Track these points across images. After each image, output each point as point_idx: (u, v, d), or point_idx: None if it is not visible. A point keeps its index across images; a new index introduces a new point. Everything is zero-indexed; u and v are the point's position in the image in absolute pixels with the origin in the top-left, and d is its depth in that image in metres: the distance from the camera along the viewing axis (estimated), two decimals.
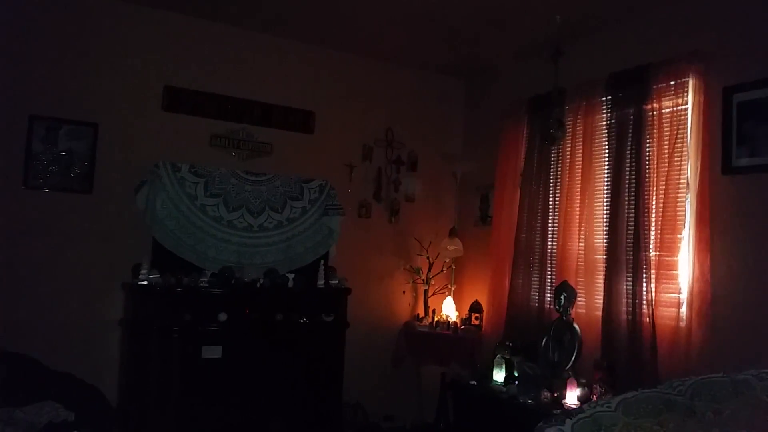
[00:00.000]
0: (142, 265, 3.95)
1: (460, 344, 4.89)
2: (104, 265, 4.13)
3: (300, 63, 4.97)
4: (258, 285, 4.27)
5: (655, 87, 3.78)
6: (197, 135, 4.49)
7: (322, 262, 4.61)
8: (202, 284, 4.05)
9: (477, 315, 5.08)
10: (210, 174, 4.31)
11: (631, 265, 3.82)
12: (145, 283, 3.91)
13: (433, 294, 5.33)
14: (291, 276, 4.41)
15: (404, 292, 5.38)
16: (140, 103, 4.30)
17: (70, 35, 4.12)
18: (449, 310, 5.16)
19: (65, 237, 4.06)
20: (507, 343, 4.35)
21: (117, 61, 4.24)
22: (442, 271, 5.33)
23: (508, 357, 4.22)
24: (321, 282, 4.51)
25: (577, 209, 4.29)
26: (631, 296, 3.80)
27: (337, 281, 4.62)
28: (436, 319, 5.15)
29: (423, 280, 5.31)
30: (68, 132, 4.06)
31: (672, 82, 3.72)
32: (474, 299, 5.15)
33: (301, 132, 4.95)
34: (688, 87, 3.64)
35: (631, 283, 3.81)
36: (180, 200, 4.16)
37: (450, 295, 5.27)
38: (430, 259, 5.30)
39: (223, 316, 4.02)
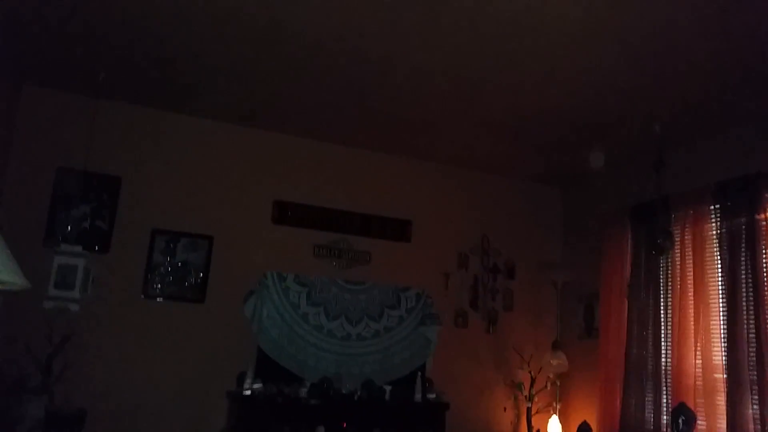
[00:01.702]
0: (246, 374, 4.25)
1: None
2: (211, 373, 4.46)
3: (397, 174, 5.38)
4: (355, 398, 4.44)
5: (766, 195, 3.80)
6: (302, 245, 4.91)
7: (419, 373, 4.73)
8: (301, 395, 4.28)
9: None
10: (312, 283, 4.66)
11: (755, 386, 3.69)
12: (248, 392, 4.18)
13: (536, 412, 5.25)
14: (388, 388, 4.55)
15: (505, 408, 5.34)
16: (252, 216, 4.82)
17: (189, 156, 4.75)
18: (555, 430, 5.05)
19: (177, 345, 4.46)
20: None
21: (232, 178, 4.83)
22: (545, 387, 5.28)
23: None
24: (418, 395, 4.61)
25: (692, 323, 4.23)
26: (758, 423, 3.64)
27: (434, 395, 4.71)
28: None
29: (525, 396, 5.27)
30: (186, 244, 4.57)
31: None
32: (582, 420, 5.02)
33: (398, 241, 5.26)
34: None
35: (757, 408, 3.66)
36: (284, 309, 4.50)
37: (555, 414, 5.18)
38: (533, 373, 5.28)
39: (321, 430, 4.19)
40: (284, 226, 4.89)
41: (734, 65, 3.42)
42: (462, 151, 5.20)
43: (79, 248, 3.89)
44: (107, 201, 4.46)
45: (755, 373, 3.70)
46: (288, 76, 3.96)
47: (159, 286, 4.50)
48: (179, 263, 4.54)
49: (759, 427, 3.63)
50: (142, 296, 4.46)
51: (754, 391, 3.70)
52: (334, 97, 4.25)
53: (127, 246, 4.46)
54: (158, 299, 4.50)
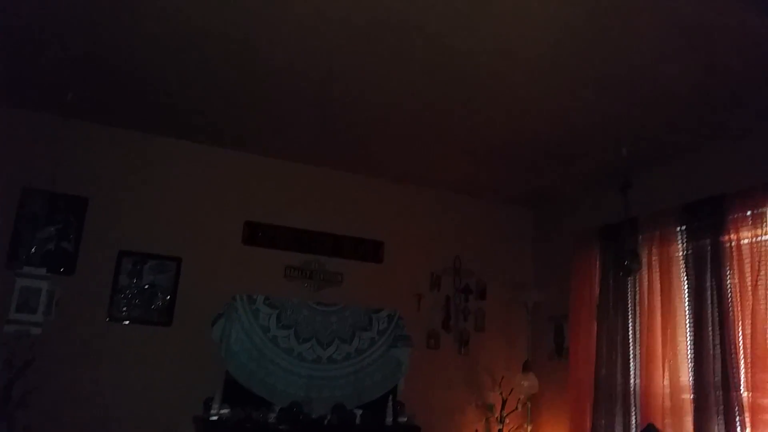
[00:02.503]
0: (214, 399, 4.19)
1: None
2: (178, 398, 4.39)
3: (369, 195, 5.41)
4: (325, 422, 4.40)
5: (731, 218, 3.90)
6: (273, 267, 4.89)
7: (391, 396, 4.71)
8: (270, 420, 4.23)
9: None
10: (283, 305, 4.62)
11: (722, 407, 3.75)
12: (216, 418, 4.12)
13: None
14: (359, 412, 4.52)
15: (476, 431, 5.34)
16: (222, 237, 4.79)
17: (157, 177, 4.71)
18: None
19: (143, 369, 4.38)
20: None
21: (201, 199, 4.80)
22: (516, 408, 5.30)
23: None
24: (389, 419, 4.59)
25: (660, 344, 4.29)
26: None
27: (405, 418, 4.69)
28: None
29: (497, 418, 5.28)
30: (153, 266, 4.52)
31: (748, 213, 3.83)
32: None
33: (370, 261, 5.27)
34: (766, 218, 3.74)
35: (723, 428, 3.71)
36: (254, 332, 4.46)
37: None
38: (504, 395, 5.29)
39: None
40: (255, 248, 4.86)
41: (699, 90, 3.50)
42: (434, 172, 5.25)
43: (42, 270, 3.81)
44: (73, 222, 4.40)
45: (721, 393, 3.76)
46: (258, 96, 3.97)
47: (125, 309, 4.43)
48: (146, 285, 4.48)
49: None
50: (108, 319, 4.38)
51: (719, 412, 3.75)
52: (304, 118, 4.26)
53: (93, 268, 4.39)
54: (124, 322, 4.42)
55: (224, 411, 4.19)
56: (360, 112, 4.12)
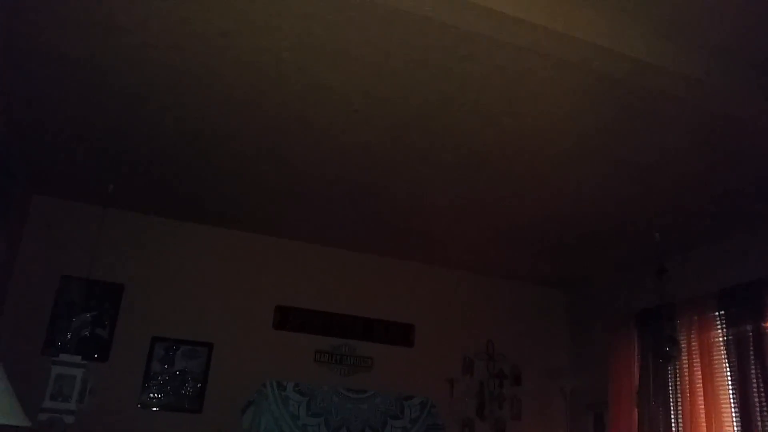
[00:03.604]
0: None
1: None
2: None
3: (399, 278, 5.43)
4: None
5: None
6: (303, 351, 4.90)
7: None
8: None
9: None
10: (312, 392, 4.58)
11: None
12: None
13: None
14: None
15: None
16: (253, 322, 4.83)
17: (190, 263, 4.82)
18: None
19: None
20: None
21: (233, 284, 4.87)
22: None
23: None
24: None
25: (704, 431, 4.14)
26: None
27: None
28: None
29: None
30: (185, 352, 4.55)
31: None
32: None
33: (401, 345, 5.24)
34: None
35: None
36: (283, 420, 4.40)
37: None
38: None
39: None
40: (285, 332, 4.89)
41: (726, 179, 3.54)
42: (464, 255, 5.28)
43: (78, 358, 3.87)
44: (109, 309, 4.50)
45: None
46: (290, 187, 4.11)
47: (157, 395, 4.44)
48: (177, 371, 4.51)
49: None
50: (139, 406, 4.39)
51: None
52: (335, 206, 4.38)
53: (126, 354, 4.44)
54: (154, 409, 4.42)
55: None
56: (391, 200, 4.23)
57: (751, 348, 3.90)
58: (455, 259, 5.41)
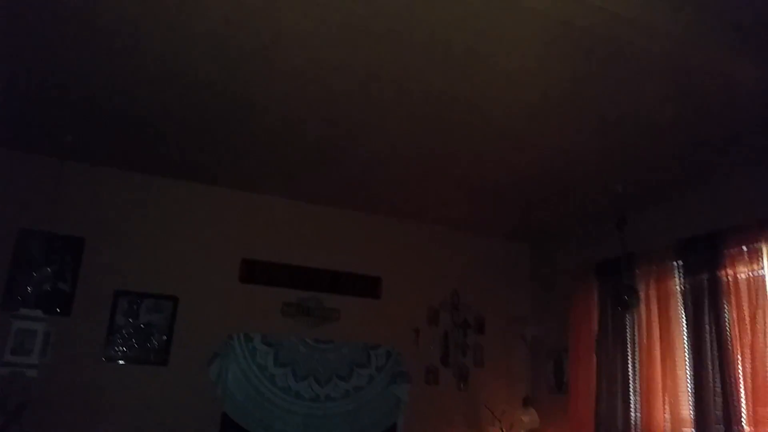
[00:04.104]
0: None
1: None
2: None
3: (367, 231, 5.39)
4: None
5: (726, 253, 3.90)
6: (270, 304, 4.85)
7: None
8: None
9: None
10: (280, 343, 4.58)
11: None
12: None
13: None
14: None
15: None
16: (219, 275, 4.75)
17: (153, 216, 4.69)
18: None
19: (138, 409, 4.30)
20: None
21: (198, 237, 4.77)
22: None
23: None
24: None
25: (659, 378, 4.26)
26: None
27: None
28: None
29: None
30: (150, 305, 4.47)
31: (744, 248, 3.84)
32: None
33: (368, 297, 5.24)
34: (762, 253, 3.75)
35: None
36: (251, 371, 4.41)
37: None
38: (504, 430, 5.22)
39: None
40: (252, 285, 4.82)
41: (692, 131, 3.54)
42: (431, 209, 5.25)
43: (39, 312, 3.77)
44: (70, 262, 4.37)
45: (722, 426, 3.72)
46: (256, 139, 3.98)
47: (121, 348, 4.37)
48: (142, 325, 4.44)
49: None
50: (103, 359, 4.32)
51: None
52: (302, 159, 4.27)
53: (89, 308, 4.34)
54: (120, 362, 4.36)
55: None
56: (358, 154, 4.14)
57: (706, 296, 3.98)
58: (422, 213, 5.39)
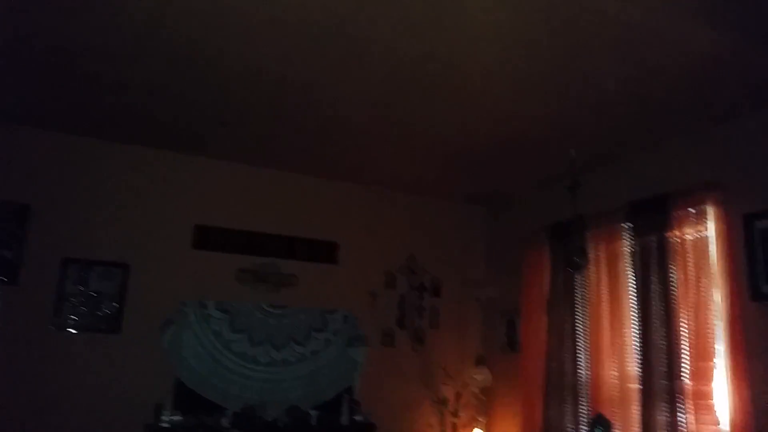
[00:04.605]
0: (164, 405, 4.01)
1: None
2: (128, 405, 4.18)
3: (323, 197, 5.27)
4: (280, 424, 4.27)
5: (674, 215, 3.93)
6: (224, 270, 4.70)
7: (346, 395, 4.62)
8: (224, 425, 4.07)
9: None
10: (235, 309, 4.46)
11: (666, 395, 3.79)
12: (166, 425, 3.95)
13: (462, 427, 5.23)
14: (314, 413, 4.41)
15: (431, 425, 5.29)
16: (171, 242, 4.57)
17: (102, 182, 4.46)
18: None
19: (91, 377, 4.16)
20: None
21: (148, 203, 4.56)
22: (470, 401, 5.27)
23: None
24: (345, 418, 4.49)
25: (607, 336, 4.32)
26: (669, 428, 3.73)
27: (361, 416, 4.60)
28: None
29: (451, 411, 5.24)
30: (100, 273, 4.28)
31: (691, 210, 3.87)
32: None
33: (325, 262, 5.14)
34: (708, 215, 3.79)
35: (668, 414, 3.75)
36: (206, 337, 4.29)
37: (480, 427, 5.17)
38: (458, 389, 5.26)
39: None
40: (205, 252, 4.66)
41: (641, 94, 3.51)
42: (387, 173, 5.15)
43: None
44: (15, 230, 4.13)
45: (666, 382, 3.80)
46: (207, 98, 3.78)
47: (72, 317, 4.19)
48: (93, 293, 4.25)
49: None
50: (53, 328, 4.14)
51: (664, 399, 3.79)
52: (255, 121, 4.09)
53: (37, 276, 4.13)
54: (71, 330, 4.19)
55: (176, 417, 4.01)
56: (313, 115, 3.98)
57: (654, 257, 4.02)
58: (379, 178, 5.28)
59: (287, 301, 4.79)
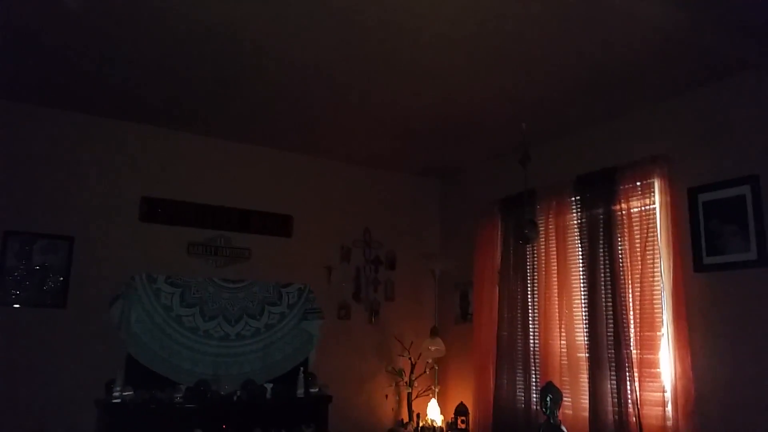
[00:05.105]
0: (115, 381, 3.85)
1: None
2: (77, 382, 4.00)
3: (277, 169, 5.09)
4: (234, 398, 4.16)
5: (621, 188, 3.93)
6: (174, 244, 4.51)
7: (302, 368, 4.53)
8: (176, 399, 3.94)
9: (463, 418, 4.96)
10: (186, 283, 4.30)
11: (613, 364, 3.83)
12: (118, 400, 3.80)
13: (416, 397, 5.21)
14: (269, 386, 4.31)
15: (387, 396, 5.26)
16: (117, 214, 4.34)
17: (44, 150, 4.19)
18: (434, 413, 5.04)
19: (37, 353, 3.95)
20: None
21: (93, 173, 4.31)
22: (425, 372, 5.25)
23: None
24: (300, 390, 4.41)
25: (556, 306, 4.34)
26: (615, 396, 3.78)
27: (317, 389, 4.52)
28: (420, 424, 5.01)
29: (406, 382, 5.22)
30: (43, 246, 4.05)
31: (638, 183, 3.88)
32: (459, 401, 5.05)
33: (279, 236, 4.99)
34: (654, 188, 3.80)
35: (615, 382, 3.80)
36: (155, 312, 4.12)
37: (434, 397, 5.17)
38: (413, 360, 5.23)
39: None
40: (154, 225, 4.44)
41: (594, 67, 3.46)
42: (341, 145, 5.01)
43: None
44: None
45: (612, 351, 3.83)
46: (154, 64, 3.57)
47: (15, 291, 3.96)
48: (36, 267, 4.02)
49: (615, 400, 3.77)
50: None
51: (611, 368, 3.83)
52: (205, 88, 3.90)
53: None
54: (13, 306, 3.96)
55: (127, 393, 3.85)
56: (265, 84, 3.81)
57: (601, 229, 4.03)
58: (334, 150, 5.13)
59: (241, 275, 4.64)
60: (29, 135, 4.16)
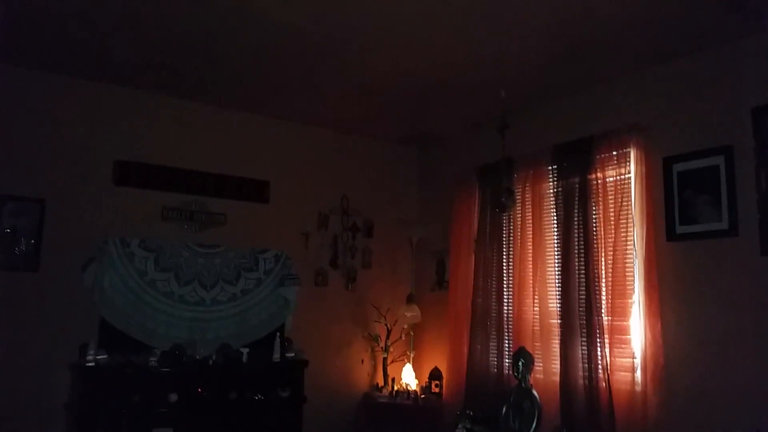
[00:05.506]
0: (89, 345, 3.77)
1: (421, 415, 4.76)
2: (50, 346, 3.91)
3: (254, 134, 4.96)
4: (210, 362, 4.11)
5: (598, 157, 3.90)
6: (148, 208, 4.38)
7: (278, 334, 4.48)
8: (151, 363, 3.88)
9: (437, 382, 4.98)
10: (161, 248, 4.19)
11: (584, 330, 3.84)
12: (92, 364, 3.72)
13: (392, 362, 5.22)
14: (245, 351, 4.26)
15: (362, 361, 5.25)
16: (90, 177, 4.19)
17: (14, 110, 4.01)
18: (409, 378, 5.05)
19: (9, 317, 3.83)
20: (468, 412, 4.25)
21: (65, 135, 4.15)
22: (400, 337, 5.25)
23: (469, 427, 4.11)
24: (276, 355, 4.37)
25: (530, 274, 4.35)
26: (586, 361, 3.80)
27: (293, 353, 4.49)
28: (396, 388, 5.03)
29: (382, 347, 5.22)
30: (14, 209, 3.90)
31: (614, 153, 3.85)
32: (433, 366, 5.07)
33: (255, 202, 4.89)
34: (629, 157, 3.77)
35: (585, 348, 3.82)
36: (129, 276, 4.02)
37: (409, 362, 5.18)
38: (389, 325, 5.22)
39: (173, 397, 3.86)
40: (128, 188, 4.29)
41: (574, 34, 3.39)
42: (320, 111, 4.88)
43: None
44: None
45: (584, 318, 3.84)
46: (129, 25, 3.41)
47: None
48: (7, 230, 3.88)
49: (586, 365, 3.79)
50: None
51: (583, 334, 3.85)
52: (180, 50, 3.73)
53: None
54: None
55: (101, 357, 3.78)
56: (242, 47, 3.67)
57: (577, 198, 4.00)
58: (312, 116, 5.00)
59: (216, 240, 4.54)
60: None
